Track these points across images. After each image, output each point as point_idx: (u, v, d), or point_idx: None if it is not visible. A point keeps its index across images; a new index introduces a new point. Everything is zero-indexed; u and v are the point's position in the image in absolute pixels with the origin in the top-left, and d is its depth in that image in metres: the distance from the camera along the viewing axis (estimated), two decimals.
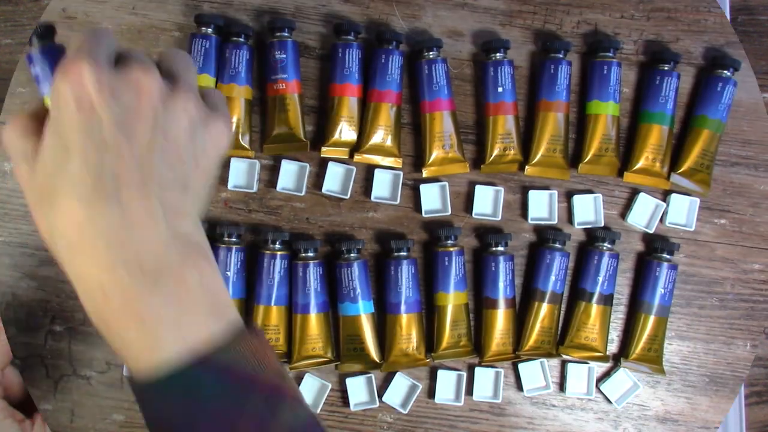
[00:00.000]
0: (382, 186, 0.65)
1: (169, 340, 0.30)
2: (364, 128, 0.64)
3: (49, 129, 0.31)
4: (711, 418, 0.66)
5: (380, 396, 0.64)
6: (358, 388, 0.64)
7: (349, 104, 0.64)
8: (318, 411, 0.63)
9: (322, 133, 0.65)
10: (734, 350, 0.66)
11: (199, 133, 0.34)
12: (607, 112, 0.64)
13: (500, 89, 0.64)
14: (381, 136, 0.64)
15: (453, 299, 0.63)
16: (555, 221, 0.65)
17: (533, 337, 0.64)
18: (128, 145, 0.30)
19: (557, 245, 0.64)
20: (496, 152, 0.64)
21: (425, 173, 0.64)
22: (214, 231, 0.64)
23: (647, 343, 0.64)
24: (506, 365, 0.66)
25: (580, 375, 0.65)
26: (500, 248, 0.64)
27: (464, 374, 0.64)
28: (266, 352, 0.33)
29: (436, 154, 0.64)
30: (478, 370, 0.65)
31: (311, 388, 0.64)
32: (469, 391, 0.65)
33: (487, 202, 0.65)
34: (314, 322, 0.62)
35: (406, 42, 0.66)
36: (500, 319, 0.63)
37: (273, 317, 0.63)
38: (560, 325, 0.66)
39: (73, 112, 0.29)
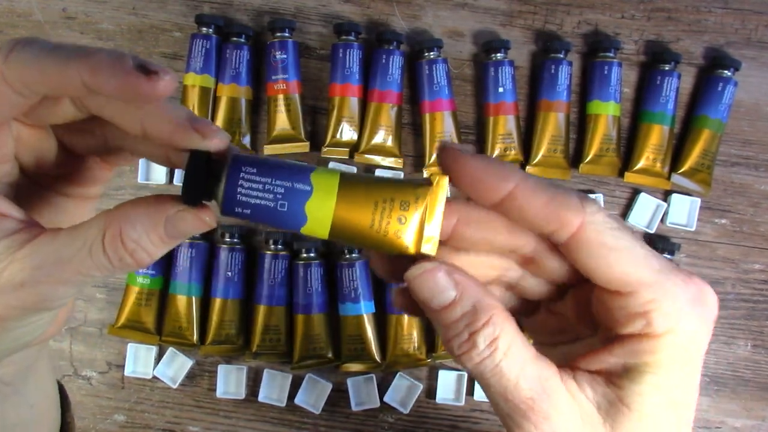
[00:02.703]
0: None
1: None
2: (364, 128, 0.64)
3: None
4: (712, 418, 0.66)
5: (381, 396, 0.64)
6: (359, 388, 0.64)
7: (350, 104, 0.64)
8: (319, 411, 0.64)
9: (322, 133, 0.65)
10: (735, 350, 0.66)
11: None
12: (607, 112, 0.64)
13: (501, 89, 0.64)
14: (381, 136, 0.64)
15: None
16: None
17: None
18: None
19: None
20: (496, 152, 0.64)
21: (425, 173, 0.64)
22: (215, 232, 0.64)
23: None
24: None
25: None
26: None
27: (465, 374, 0.64)
28: None
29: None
30: None
31: (313, 389, 0.64)
32: (470, 391, 0.65)
33: None
34: (315, 322, 0.62)
35: (406, 42, 0.66)
36: None
37: (273, 317, 0.63)
38: None
39: None
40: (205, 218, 0.24)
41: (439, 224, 0.25)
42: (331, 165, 0.64)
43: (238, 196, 0.25)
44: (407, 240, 0.25)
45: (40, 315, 0.25)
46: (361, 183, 0.26)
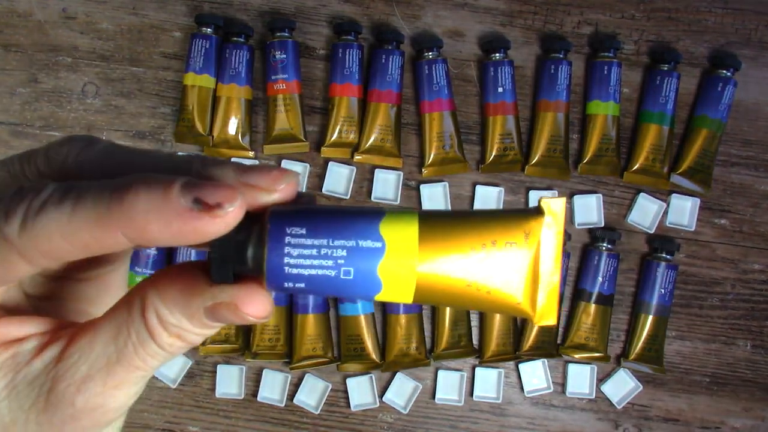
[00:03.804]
0: (383, 186, 0.65)
1: None
2: (364, 128, 0.64)
3: None
4: (711, 418, 0.66)
5: (381, 396, 0.64)
6: (358, 388, 0.64)
7: (350, 104, 0.64)
8: (318, 411, 0.64)
9: (322, 133, 0.65)
10: (734, 350, 0.66)
11: None
12: (607, 112, 0.64)
13: (500, 89, 0.64)
14: (381, 136, 0.64)
15: None
16: None
17: (533, 337, 0.64)
18: None
19: None
20: (496, 152, 0.64)
21: (425, 173, 0.64)
22: None
23: (647, 343, 0.64)
24: (507, 365, 0.66)
25: (581, 375, 0.65)
26: None
27: (465, 374, 0.64)
28: None
29: (436, 154, 0.64)
30: (478, 370, 0.65)
31: (312, 388, 0.64)
32: (470, 391, 0.65)
33: (487, 202, 0.65)
34: (314, 322, 0.62)
35: (406, 42, 0.66)
36: (500, 320, 0.63)
37: (273, 317, 0.63)
38: (561, 325, 0.66)
39: None
40: (251, 312, 0.18)
41: (559, 266, 0.20)
42: (331, 165, 0.64)
43: (286, 268, 0.18)
44: (520, 295, 0.20)
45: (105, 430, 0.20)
46: (448, 225, 0.19)
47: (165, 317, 0.18)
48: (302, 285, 0.19)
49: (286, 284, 0.19)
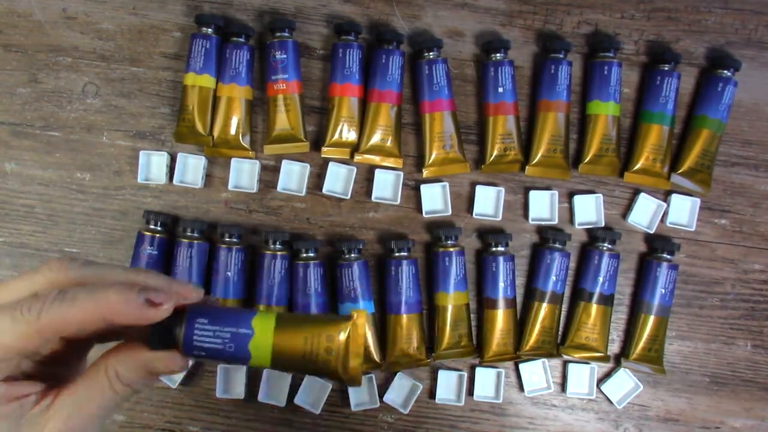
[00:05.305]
0: (383, 186, 0.65)
1: None
2: (364, 128, 0.64)
3: None
4: (711, 418, 0.66)
5: (381, 396, 0.64)
6: (358, 389, 0.64)
7: (350, 104, 0.64)
8: (319, 411, 0.64)
9: (322, 133, 0.65)
10: (735, 350, 0.66)
11: None
12: (607, 112, 0.64)
13: (500, 89, 0.64)
14: (381, 136, 0.64)
15: (453, 299, 0.63)
16: (556, 221, 0.65)
17: (534, 337, 0.64)
18: None
19: (558, 245, 0.64)
20: (496, 152, 0.64)
21: (425, 173, 0.64)
22: (215, 231, 0.64)
23: (648, 343, 0.64)
24: (507, 365, 0.66)
25: (581, 375, 0.65)
26: (500, 248, 0.64)
27: (465, 374, 0.64)
28: None
29: (436, 154, 0.64)
30: (478, 370, 0.65)
31: (312, 389, 0.64)
32: (470, 391, 0.65)
33: (487, 202, 0.65)
34: None
35: (406, 42, 0.66)
36: (500, 319, 0.63)
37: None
38: (561, 325, 0.66)
39: None
40: (172, 367, 0.32)
41: (362, 350, 0.33)
42: (331, 165, 0.64)
43: (194, 342, 0.32)
44: (335, 366, 0.32)
45: None
46: (295, 322, 0.33)
47: (120, 373, 0.31)
48: (203, 353, 0.32)
49: (194, 352, 0.32)
